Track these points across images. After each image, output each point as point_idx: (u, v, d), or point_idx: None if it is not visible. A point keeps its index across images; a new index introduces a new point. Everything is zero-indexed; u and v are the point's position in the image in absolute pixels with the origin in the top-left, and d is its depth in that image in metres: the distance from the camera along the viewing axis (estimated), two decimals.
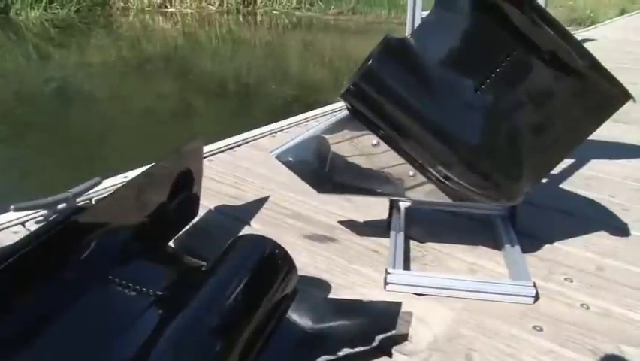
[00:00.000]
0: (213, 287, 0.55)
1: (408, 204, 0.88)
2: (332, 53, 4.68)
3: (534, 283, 0.69)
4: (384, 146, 0.68)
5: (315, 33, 5.59)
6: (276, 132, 1.37)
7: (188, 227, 0.81)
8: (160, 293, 0.55)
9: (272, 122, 1.44)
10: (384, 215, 0.86)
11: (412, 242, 0.82)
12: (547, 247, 0.83)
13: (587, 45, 3.05)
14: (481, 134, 0.65)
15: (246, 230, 0.84)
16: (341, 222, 0.88)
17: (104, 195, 0.90)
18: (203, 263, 0.62)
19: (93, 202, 0.87)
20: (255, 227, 0.86)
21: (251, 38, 5.30)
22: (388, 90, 0.63)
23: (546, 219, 0.92)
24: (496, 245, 0.82)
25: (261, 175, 1.07)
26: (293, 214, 0.91)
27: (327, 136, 0.70)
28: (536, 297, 0.69)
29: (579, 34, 3.49)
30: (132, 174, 1.00)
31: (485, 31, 0.64)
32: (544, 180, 1.08)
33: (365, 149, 0.68)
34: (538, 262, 0.79)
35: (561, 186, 1.08)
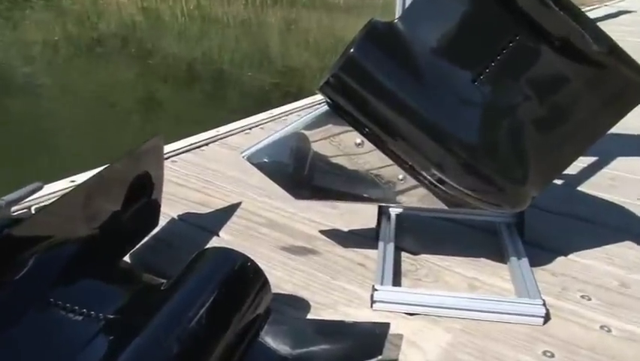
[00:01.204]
0: (174, 308, 0.56)
1: (399, 210, 0.91)
2: (318, 34, 4.70)
3: (544, 301, 0.71)
4: (369, 145, 0.70)
5: (298, 10, 5.61)
6: (250, 128, 1.39)
7: (146, 239, 0.82)
8: (111, 317, 0.55)
9: (246, 117, 1.46)
10: (372, 223, 0.88)
11: (403, 254, 0.84)
12: (560, 259, 0.85)
13: (623, 19, 3.02)
14: (479, 132, 0.67)
15: (213, 242, 0.86)
16: (322, 232, 0.90)
17: (45, 204, 0.91)
18: (164, 281, 0.63)
19: (32, 212, 0.87)
20: (224, 238, 0.88)
21: (223, 16, 5.28)
22: (373, 82, 0.65)
23: (559, 226, 0.95)
24: (501, 257, 0.84)
25: (231, 178, 1.09)
26: (268, 223, 0.92)
27: (306, 133, 0.72)
28: (547, 317, 0.71)
29: (613, 5, 3.50)
30: (80, 178, 1.01)
31: (484, 14, 0.66)
32: (558, 182, 1.10)
33: (348, 149, 0.70)
34: (549, 276, 0.81)
35: (579, 188, 1.10)
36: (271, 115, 1.49)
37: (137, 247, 0.79)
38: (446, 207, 0.73)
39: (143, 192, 0.77)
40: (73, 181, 1.01)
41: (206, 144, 1.27)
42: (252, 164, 0.75)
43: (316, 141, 0.72)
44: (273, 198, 0.99)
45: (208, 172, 1.12)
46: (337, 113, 0.69)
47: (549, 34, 0.66)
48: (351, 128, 0.70)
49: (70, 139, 2.28)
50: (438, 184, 0.69)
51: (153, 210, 0.82)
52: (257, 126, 1.41)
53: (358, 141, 0.70)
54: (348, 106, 0.67)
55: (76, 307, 0.55)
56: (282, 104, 1.61)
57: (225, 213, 0.95)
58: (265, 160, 0.74)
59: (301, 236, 0.89)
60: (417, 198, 0.73)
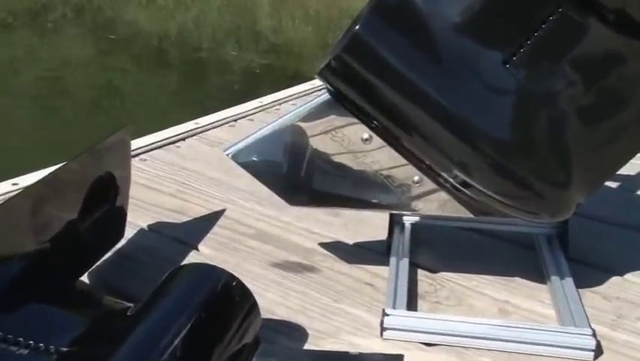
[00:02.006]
0: (143, 338, 0.57)
1: (415, 220, 0.92)
2: (320, 4, 4.70)
3: (594, 331, 0.71)
4: (378, 141, 0.71)
5: None
6: (235, 120, 1.39)
7: (109, 254, 0.83)
8: (65, 350, 0.55)
9: (231, 106, 1.46)
10: (382, 235, 0.89)
11: (419, 272, 0.85)
12: (614, 279, 0.85)
13: None
14: (512, 124, 0.68)
15: (191, 257, 0.87)
16: (323, 245, 0.91)
17: None
18: (130, 305, 0.64)
19: None
20: (205, 252, 0.89)
21: None
22: (383, 65, 0.66)
23: (612, 239, 0.96)
24: (539, 276, 0.85)
25: (213, 181, 1.10)
26: (257, 234, 0.93)
27: (303, 127, 0.73)
28: (598, 351, 0.71)
29: None
30: (25, 181, 1.01)
31: None
32: (610, 185, 1.11)
33: (353, 145, 0.71)
34: (600, 300, 0.81)
35: (637, 192, 1.11)
36: (261, 104, 1.50)
37: (98, 264, 0.80)
38: (472, 216, 0.74)
39: (106, 198, 0.78)
40: (15, 184, 1.01)
41: (183, 139, 1.28)
42: (238, 163, 0.76)
43: (315, 135, 0.73)
44: (263, 204, 1.00)
45: (185, 173, 1.13)
46: (340, 102, 0.70)
47: (599, 5, 0.67)
48: (356, 121, 0.70)
49: (12, 132, 2.27)
50: (461, 188, 0.70)
51: (118, 219, 0.83)
52: (244, 117, 1.42)
53: (365, 135, 0.71)
54: (354, 94, 0.69)
55: (21, 339, 0.55)
56: (275, 91, 1.62)
57: (206, 223, 0.96)
58: (254, 159, 0.75)
59: (297, 250, 0.90)
60: (436, 204, 0.74)
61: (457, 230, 0.94)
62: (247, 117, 1.42)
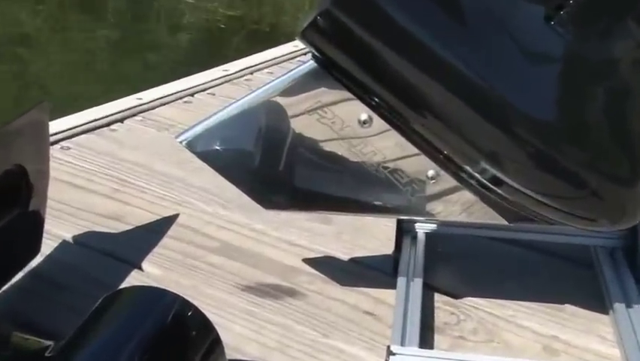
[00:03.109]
0: None
1: (430, 228, 0.93)
2: None
3: None
4: (380, 124, 0.72)
5: None
6: (192, 95, 1.41)
7: (20, 276, 0.84)
8: None
9: (185, 75, 1.49)
10: (387, 248, 0.91)
11: (437, 297, 0.87)
12: None
13: None
14: (559, 102, 0.70)
15: (132, 279, 0.88)
16: (309, 262, 0.93)
17: None
18: (50, 343, 0.64)
19: None
20: (150, 272, 0.90)
21: None
22: (385, 22, 0.67)
23: None
24: (599, 303, 0.87)
25: (162, 176, 1.11)
26: (221, 248, 0.95)
27: (282, 104, 0.74)
28: None
29: None
30: None
31: None
32: None
33: (347, 129, 0.73)
34: None
35: None
36: (226, 73, 1.52)
37: (4, 289, 0.80)
38: (506, 223, 0.76)
39: (15, 200, 0.78)
40: None
41: (120, 121, 1.30)
42: (196, 154, 0.77)
43: (298, 116, 0.74)
44: (229, 208, 1.02)
45: (123, 166, 1.15)
46: (330, 72, 0.71)
47: None
48: (352, 97, 0.71)
49: None
50: (492, 186, 0.72)
51: (31, 228, 0.83)
52: (203, 91, 1.43)
53: (364, 116, 0.72)
54: (347, 61, 0.70)
55: None
56: (244, 55, 1.63)
57: (152, 233, 0.98)
58: (216, 148, 0.76)
59: (275, 269, 0.91)
60: (458, 208, 0.75)
61: (486, 242, 0.95)
62: (208, 91, 1.43)
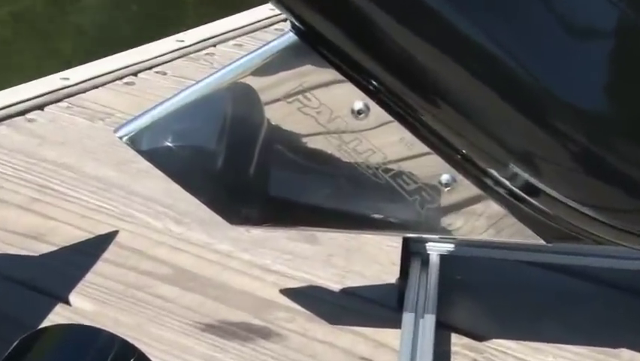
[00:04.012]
0: None
1: (445, 248, 0.94)
2: None
3: None
4: (379, 115, 0.72)
5: None
6: (135, 74, 1.42)
7: None
8: None
9: (127, 48, 1.49)
10: (390, 274, 0.92)
11: (454, 338, 0.87)
12: None
13: None
14: (612, 89, 0.70)
15: (56, 315, 0.88)
16: (289, 294, 0.93)
17: None
18: None
19: None
20: (80, 307, 0.90)
21: None
22: None
23: None
24: None
25: (97, 181, 1.11)
26: (174, 276, 0.96)
27: (253, 87, 0.74)
28: None
29: None
30: None
31: None
32: None
33: (338, 121, 0.73)
34: None
35: None
36: (181, 46, 1.52)
37: None
38: (543, 243, 0.76)
39: None
40: None
41: (40, 108, 1.30)
42: (141, 153, 0.77)
43: (273, 103, 0.74)
44: (184, 223, 1.02)
45: (44, 168, 1.15)
46: (315, 47, 0.71)
47: None
48: (342, 79, 0.72)
49: None
50: (525, 195, 0.72)
51: None
52: (150, 69, 1.44)
53: (358, 105, 0.72)
54: (337, 32, 0.70)
55: None
56: (205, 22, 1.64)
57: (82, 257, 0.98)
58: (168, 145, 0.76)
59: (244, 302, 0.92)
60: (481, 223, 0.76)
61: (517, 267, 0.96)
62: (156, 69, 1.44)
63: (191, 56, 1.49)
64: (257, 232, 0.88)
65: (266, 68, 0.74)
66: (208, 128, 0.78)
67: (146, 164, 0.79)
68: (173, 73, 1.42)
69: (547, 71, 0.69)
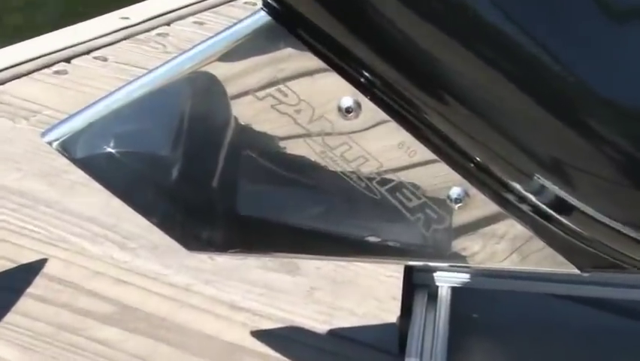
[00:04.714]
0: None
1: (457, 279, 0.93)
2: None
3: None
4: (372, 114, 0.72)
5: None
6: (68, 60, 1.42)
7: None
8: None
9: (56, 28, 1.49)
10: (388, 312, 0.92)
11: None
12: None
13: None
14: None
15: None
16: (261, 337, 0.93)
17: None
18: None
19: None
20: (1, 356, 0.90)
21: None
22: None
23: None
24: None
25: (20, 196, 1.11)
26: (118, 315, 0.95)
27: (217, 78, 0.74)
28: None
29: None
30: None
31: None
32: None
33: (321, 122, 0.73)
34: None
35: None
36: (127, 24, 1.52)
37: None
38: (578, 273, 0.76)
39: None
40: None
41: None
42: (75, 161, 0.76)
43: (241, 98, 0.74)
44: (131, 249, 1.02)
45: None
46: (293, 30, 0.72)
47: None
48: (327, 69, 0.72)
49: None
50: (555, 214, 0.73)
51: None
52: (87, 54, 1.43)
53: (347, 102, 0.72)
54: (322, 12, 0.70)
55: None
56: None
57: (3, 292, 0.98)
58: (109, 152, 0.76)
59: (208, 348, 0.91)
60: (501, 248, 0.76)
61: (547, 302, 0.96)
62: (95, 53, 1.44)
63: (139, 37, 1.49)
64: (222, 260, 0.87)
65: (233, 55, 0.74)
66: (160, 130, 0.78)
67: (81, 175, 0.78)
68: (117, 59, 1.42)
69: (583, 60, 0.69)
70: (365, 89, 0.72)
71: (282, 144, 0.76)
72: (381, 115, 0.73)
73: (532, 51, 0.69)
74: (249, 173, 0.78)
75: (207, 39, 0.76)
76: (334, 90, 0.73)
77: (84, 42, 1.44)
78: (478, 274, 0.94)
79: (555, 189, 0.71)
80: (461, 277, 0.94)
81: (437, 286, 0.94)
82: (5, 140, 1.21)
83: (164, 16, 1.52)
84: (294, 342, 0.93)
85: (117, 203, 0.79)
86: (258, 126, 0.76)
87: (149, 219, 0.79)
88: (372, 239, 0.78)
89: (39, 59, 1.39)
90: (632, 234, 0.72)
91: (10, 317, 0.94)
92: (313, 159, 0.75)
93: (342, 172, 0.75)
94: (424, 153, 0.74)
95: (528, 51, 0.69)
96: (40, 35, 1.47)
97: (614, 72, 0.70)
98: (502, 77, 0.68)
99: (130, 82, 0.77)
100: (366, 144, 0.74)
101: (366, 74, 0.71)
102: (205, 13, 1.56)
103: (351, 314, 0.96)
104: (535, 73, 0.69)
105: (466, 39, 0.69)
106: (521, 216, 0.75)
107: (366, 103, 0.72)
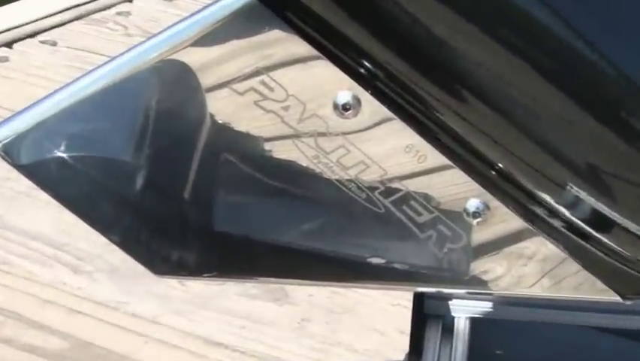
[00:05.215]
0: None
1: (477, 309, 0.93)
2: None
3: None
4: (374, 112, 0.72)
5: None
6: (10, 44, 1.42)
7: None
8: None
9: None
10: (394, 348, 0.93)
11: None
12: None
13: None
14: None
15: None
16: None
17: None
18: None
19: None
20: None
21: None
22: None
23: None
24: None
25: None
26: (71, 351, 0.95)
27: (190, 67, 0.73)
28: None
29: None
30: None
31: None
32: None
33: (314, 121, 0.73)
34: None
35: None
36: (79, 2, 1.52)
37: None
38: (619, 300, 0.76)
39: None
40: None
41: None
42: (20, 168, 0.76)
43: (218, 90, 0.74)
44: (87, 273, 1.01)
45: None
46: (280, 12, 0.71)
47: None
48: (321, 58, 0.71)
49: None
50: (591, 230, 0.72)
51: None
52: (32, 37, 1.43)
53: (344, 97, 0.72)
54: None
55: None
56: None
57: None
58: (60, 156, 0.76)
59: None
60: (529, 272, 0.76)
61: (581, 334, 0.95)
62: (41, 36, 1.44)
63: (95, 16, 1.50)
64: (196, 286, 0.87)
65: (209, 41, 0.73)
66: (122, 131, 0.78)
67: (27, 184, 0.77)
68: (68, 43, 1.42)
69: (628, 52, 0.69)
70: (365, 81, 0.72)
71: (267, 147, 0.76)
72: (385, 112, 0.73)
73: (570, 40, 0.68)
74: (228, 182, 0.77)
75: (179, 21, 0.75)
76: (329, 83, 0.72)
77: (28, 23, 1.45)
78: (500, 302, 0.93)
79: (592, 201, 0.71)
80: (481, 306, 0.94)
81: (453, 317, 0.94)
82: None
83: None
84: None
85: (70, 218, 0.77)
86: (239, 126, 0.75)
87: (107, 237, 0.79)
88: (374, 261, 0.78)
89: None
90: None
91: None
92: (304, 165, 0.75)
93: (338, 181, 0.75)
94: (435, 157, 0.73)
95: (569, 41, 0.68)
96: None
97: None
98: (533, 69, 0.67)
99: (86, 72, 0.76)
100: (366, 147, 0.74)
101: (367, 63, 0.71)
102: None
103: (349, 350, 0.95)
104: (573, 67, 0.69)
105: (490, 22, 0.68)
106: (552, 234, 0.75)
107: (367, 98, 0.72)
